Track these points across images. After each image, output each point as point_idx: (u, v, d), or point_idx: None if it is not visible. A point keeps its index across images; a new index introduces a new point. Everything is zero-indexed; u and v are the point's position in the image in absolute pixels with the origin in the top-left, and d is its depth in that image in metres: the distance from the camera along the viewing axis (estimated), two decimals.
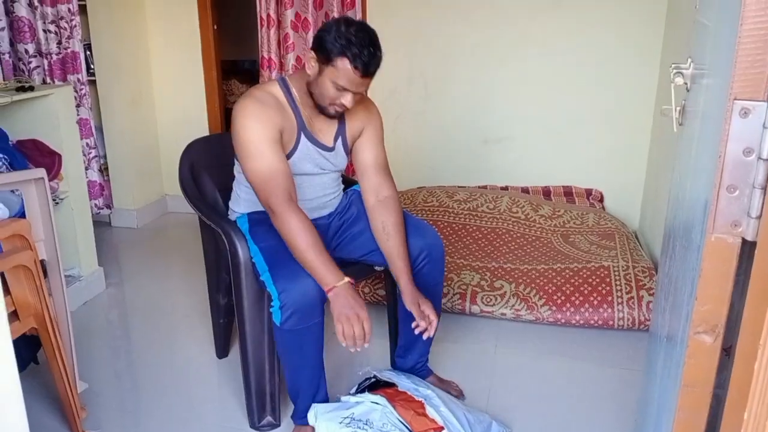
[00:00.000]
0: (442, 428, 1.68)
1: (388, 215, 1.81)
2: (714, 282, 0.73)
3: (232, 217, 1.89)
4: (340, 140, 1.82)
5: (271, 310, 1.64)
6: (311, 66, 1.66)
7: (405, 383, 1.83)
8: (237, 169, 1.86)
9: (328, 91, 1.64)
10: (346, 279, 1.61)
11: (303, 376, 1.73)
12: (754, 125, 0.67)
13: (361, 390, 1.87)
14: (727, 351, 0.85)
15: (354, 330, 1.56)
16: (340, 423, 1.65)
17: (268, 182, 1.63)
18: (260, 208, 1.74)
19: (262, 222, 1.77)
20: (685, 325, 0.80)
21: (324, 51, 1.60)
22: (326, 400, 1.79)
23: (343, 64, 1.58)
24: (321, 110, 1.72)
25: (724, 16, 0.88)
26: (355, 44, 1.57)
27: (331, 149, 1.81)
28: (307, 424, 1.75)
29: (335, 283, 1.58)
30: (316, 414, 1.68)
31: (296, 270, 1.61)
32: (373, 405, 1.72)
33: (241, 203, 1.87)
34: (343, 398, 1.78)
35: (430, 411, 1.71)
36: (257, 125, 1.64)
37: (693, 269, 0.80)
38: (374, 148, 1.88)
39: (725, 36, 0.81)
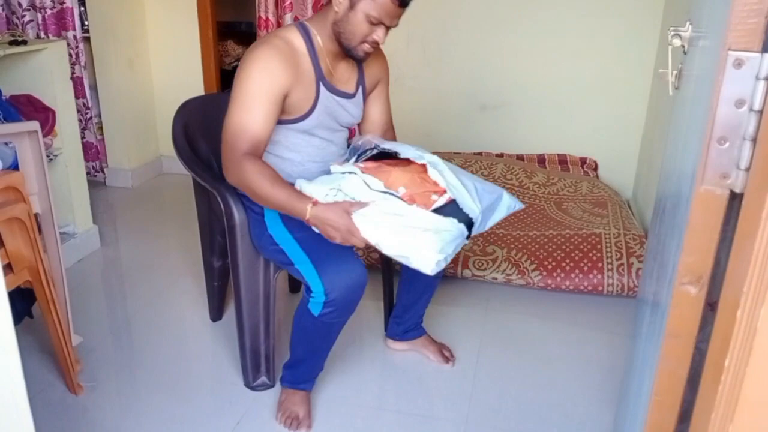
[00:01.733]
0: (444, 191, 1.53)
1: None
2: (701, 233, 0.74)
3: None
4: (360, 88, 1.77)
5: (309, 298, 1.56)
6: (339, 2, 1.56)
7: (410, 152, 1.63)
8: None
9: (359, 27, 1.56)
10: (313, 198, 1.50)
11: (316, 356, 1.73)
12: (747, 76, 0.67)
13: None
14: (712, 306, 0.87)
15: (344, 239, 1.46)
16: (326, 195, 1.52)
17: (240, 136, 1.53)
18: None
19: None
20: (672, 277, 0.81)
21: None
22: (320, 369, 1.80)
23: None
24: (348, 52, 1.63)
25: None
26: None
27: (351, 96, 1.74)
28: (300, 389, 1.76)
29: (307, 206, 1.47)
30: (301, 185, 1.55)
31: (343, 263, 1.55)
32: (360, 182, 1.55)
33: None
34: (333, 168, 1.62)
35: (432, 173, 1.55)
36: (261, 78, 1.54)
37: (681, 222, 0.81)
38: (386, 103, 1.88)
39: None
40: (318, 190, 1.52)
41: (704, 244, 0.74)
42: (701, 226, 0.73)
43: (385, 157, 1.67)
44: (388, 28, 1.60)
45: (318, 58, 1.64)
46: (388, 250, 1.47)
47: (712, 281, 0.82)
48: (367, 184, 1.52)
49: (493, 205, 1.61)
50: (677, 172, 1.07)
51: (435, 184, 1.54)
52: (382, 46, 1.67)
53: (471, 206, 1.53)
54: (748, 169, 0.69)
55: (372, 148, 1.68)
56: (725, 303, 0.72)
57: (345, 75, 1.72)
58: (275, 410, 1.78)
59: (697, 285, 0.76)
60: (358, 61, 1.70)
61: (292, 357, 1.76)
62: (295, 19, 3.16)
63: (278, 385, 1.88)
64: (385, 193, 1.51)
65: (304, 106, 1.64)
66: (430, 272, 1.44)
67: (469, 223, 1.52)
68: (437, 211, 1.50)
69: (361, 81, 1.78)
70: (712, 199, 0.72)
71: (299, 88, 1.60)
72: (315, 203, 1.48)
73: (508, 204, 1.66)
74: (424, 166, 1.57)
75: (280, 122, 1.64)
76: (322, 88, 1.65)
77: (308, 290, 1.57)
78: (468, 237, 1.53)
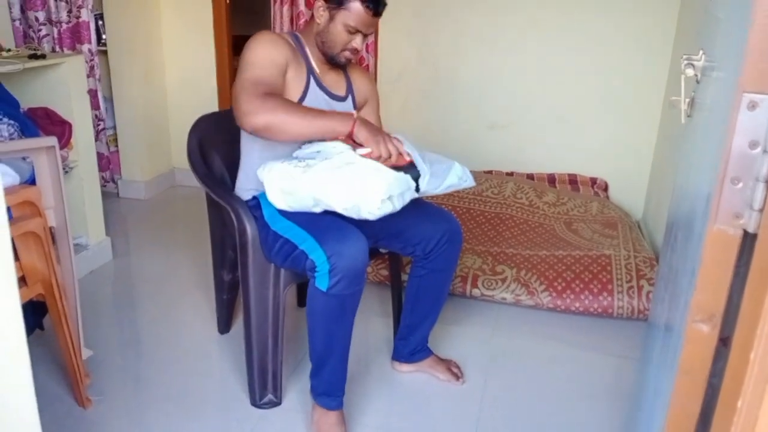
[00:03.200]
0: (405, 163, 1.66)
1: None
2: (714, 272, 0.74)
3: (247, 195, 1.84)
4: (350, 97, 1.88)
5: (315, 275, 1.58)
6: (320, 15, 1.75)
7: None
8: (244, 142, 1.86)
9: (339, 35, 1.73)
10: (354, 111, 1.66)
11: (336, 347, 1.68)
12: (761, 118, 0.68)
13: None
14: (725, 341, 0.87)
15: (389, 148, 1.61)
16: (282, 162, 1.65)
17: (257, 85, 1.61)
18: None
19: None
20: (684, 313, 0.81)
21: None
22: (345, 377, 1.77)
23: (355, 6, 1.69)
24: (331, 59, 1.79)
25: (736, 9, 0.89)
26: None
27: (342, 99, 1.86)
28: (331, 408, 1.74)
29: (352, 117, 1.63)
30: (265, 167, 1.67)
31: (344, 232, 1.60)
32: (320, 151, 1.69)
33: (253, 179, 1.81)
34: (294, 153, 1.73)
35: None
36: (269, 47, 1.69)
37: (693, 259, 0.81)
38: (375, 121, 1.97)
39: (737, 29, 0.82)
40: (276, 163, 1.64)
41: (717, 282, 0.74)
42: (714, 264, 0.73)
43: None
44: (365, 36, 1.77)
45: (309, 58, 1.81)
46: (339, 202, 1.56)
47: (725, 315, 0.82)
48: (332, 144, 1.66)
49: (443, 172, 1.72)
50: (689, 203, 1.07)
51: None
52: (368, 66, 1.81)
53: (420, 165, 1.65)
54: (761, 210, 0.69)
55: None
56: (738, 343, 0.72)
57: (334, 82, 1.86)
58: (289, 427, 1.78)
59: (710, 323, 0.76)
60: (341, 68, 1.85)
61: (313, 360, 1.73)
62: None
63: (284, 403, 1.88)
64: (342, 144, 1.64)
65: (296, 90, 1.75)
66: (376, 210, 1.51)
67: (416, 177, 1.62)
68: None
69: (350, 90, 1.90)
70: (725, 239, 0.72)
71: (293, 68, 1.74)
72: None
73: (459, 174, 1.75)
74: None
75: None
76: (312, 81, 1.79)
77: (313, 270, 1.59)
78: (417, 190, 1.63)
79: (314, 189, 1.59)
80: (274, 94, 1.63)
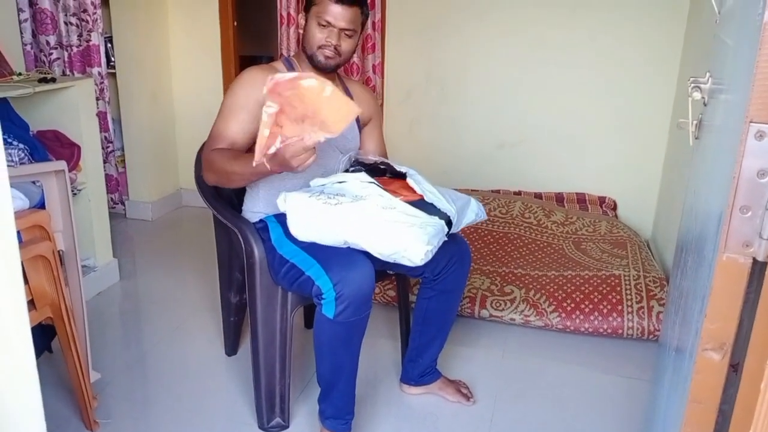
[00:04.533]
0: (421, 197, 1.69)
1: None
2: (724, 300, 0.74)
3: (254, 218, 1.85)
4: None
5: (322, 302, 1.58)
6: (301, 24, 1.80)
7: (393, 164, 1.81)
8: None
9: (314, 32, 1.75)
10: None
11: (343, 372, 1.68)
12: None
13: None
14: (735, 368, 0.86)
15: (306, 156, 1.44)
16: (309, 196, 1.62)
17: (214, 139, 1.72)
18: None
19: None
20: (694, 341, 0.80)
21: None
22: (354, 400, 1.77)
23: None
24: (312, 60, 1.78)
25: (744, 35, 0.89)
26: None
27: None
28: (338, 430, 1.73)
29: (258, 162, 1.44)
30: (286, 197, 1.63)
31: (350, 258, 1.59)
32: (343, 181, 1.69)
33: (260, 202, 1.85)
34: (313, 182, 1.72)
35: (410, 181, 1.72)
36: (239, 91, 1.74)
37: (704, 286, 0.81)
38: (380, 138, 2.00)
39: (744, 55, 0.82)
40: (300, 195, 1.64)
41: (727, 311, 0.74)
42: (724, 293, 0.73)
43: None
44: (341, 32, 1.74)
45: None
46: (377, 249, 1.57)
47: (735, 342, 0.81)
48: (358, 179, 1.68)
49: (464, 208, 1.77)
50: (699, 227, 1.06)
51: (412, 191, 1.71)
52: (372, 86, 1.81)
53: (448, 207, 1.68)
54: None
55: (357, 165, 1.82)
56: (748, 372, 0.71)
57: None
58: None
59: (720, 351, 0.76)
60: (322, 69, 1.78)
61: (321, 385, 1.73)
62: None
63: (292, 427, 1.87)
64: (371, 183, 1.65)
65: None
66: (419, 262, 1.54)
67: (448, 222, 1.66)
68: (419, 209, 1.63)
69: None
70: (734, 267, 0.72)
71: None
72: None
73: (476, 211, 1.81)
74: (403, 181, 1.74)
75: None
76: None
77: (320, 296, 1.58)
78: (447, 234, 1.66)
79: (347, 232, 1.58)
80: (220, 150, 1.69)
